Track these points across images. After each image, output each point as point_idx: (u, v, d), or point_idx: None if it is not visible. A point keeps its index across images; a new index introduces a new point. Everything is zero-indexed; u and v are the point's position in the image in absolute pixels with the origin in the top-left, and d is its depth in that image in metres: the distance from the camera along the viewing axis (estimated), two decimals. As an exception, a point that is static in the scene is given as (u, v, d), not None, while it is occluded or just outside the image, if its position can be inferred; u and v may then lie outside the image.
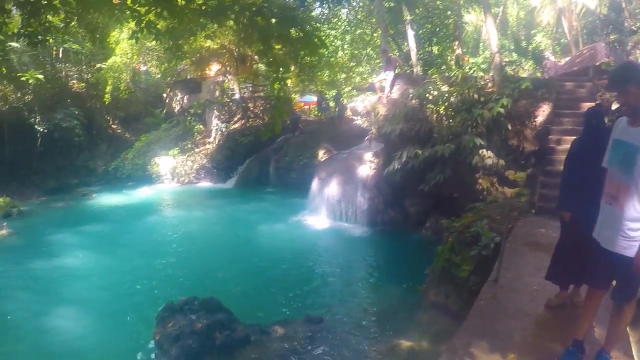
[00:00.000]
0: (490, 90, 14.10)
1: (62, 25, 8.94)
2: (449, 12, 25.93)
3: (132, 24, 6.51)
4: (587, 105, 12.79)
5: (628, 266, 3.76)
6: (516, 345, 4.68)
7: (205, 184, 27.29)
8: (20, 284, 11.54)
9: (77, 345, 8.34)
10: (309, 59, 24.83)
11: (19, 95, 26.23)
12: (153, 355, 7.77)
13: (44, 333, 8.88)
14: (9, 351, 8.40)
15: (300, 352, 7.78)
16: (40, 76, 23.00)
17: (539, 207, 10.12)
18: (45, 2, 6.39)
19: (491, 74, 14.83)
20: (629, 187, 3.76)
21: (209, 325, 7.82)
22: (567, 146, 11.35)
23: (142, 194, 25.06)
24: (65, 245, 14.56)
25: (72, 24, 7.25)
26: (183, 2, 6.14)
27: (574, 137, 5.95)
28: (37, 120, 25.41)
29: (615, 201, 3.88)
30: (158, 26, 7.04)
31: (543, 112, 13.03)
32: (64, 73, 29.42)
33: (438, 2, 25.78)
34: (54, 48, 27.09)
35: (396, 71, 17.39)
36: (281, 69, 6.57)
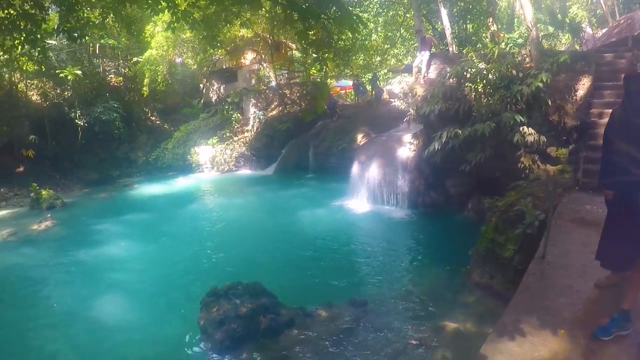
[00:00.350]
0: (528, 65, 13.85)
1: (99, 20, 9.16)
2: (481, -13, 25.42)
3: (167, 16, 6.62)
4: (628, 76, 12.47)
5: None
6: (566, 322, 4.66)
7: (245, 171, 27.72)
8: (67, 273, 11.94)
9: (123, 331, 8.54)
10: (342, 43, 24.80)
11: (58, 91, 27.26)
12: (198, 340, 7.89)
13: (90, 320, 9.11)
14: (59, 337, 8.64)
15: (345, 335, 7.82)
16: (79, 72, 23.89)
17: (583, 182, 9.93)
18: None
19: (528, 48, 14.53)
20: None
21: (254, 310, 7.90)
22: (609, 119, 11.24)
23: (182, 183, 25.58)
24: (109, 235, 15.01)
25: (108, 18, 7.41)
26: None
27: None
28: (77, 114, 26.27)
29: None
30: (194, 15, 7.16)
31: (583, 86, 12.73)
32: (101, 68, 30.40)
33: (471, -23, 25.30)
34: (91, 44, 27.92)
35: (432, 50, 17.19)
36: (321, 50, 6.61)
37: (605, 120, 11.22)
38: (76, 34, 7.67)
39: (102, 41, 26.92)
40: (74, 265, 12.40)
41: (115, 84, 30.80)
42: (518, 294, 5.22)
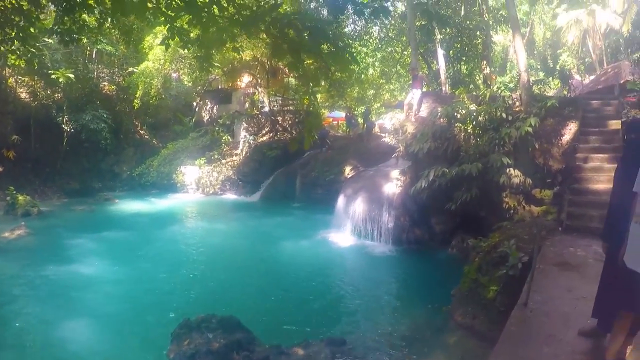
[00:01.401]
0: (517, 109, 14.04)
1: (96, 25, 9.08)
2: (478, 32, 25.94)
3: (166, 30, 6.60)
4: (613, 122, 12.73)
5: None
6: (548, 372, 4.56)
7: (230, 196, 27.47)
8: (33, 289, 11.43)
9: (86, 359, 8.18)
10: (339, 74, 25.01)
11: (48, 92, 26.59)
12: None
13: (52, 344, 8.63)
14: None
15: (322, 375, 7.57)
16: (72, 75, 23.40)
17: (567, 225, 10.00)
18: (80, 0, 6.48)
19: (519, 92, 14.74)
20: None
21: (227, 346, 7.61)
22: (594, 164, 11.44)
23: (165, 202, 25.22)
24: (83, 251, 14.59)
25: (106, 24, 7.37)
26: (215, 11, 6.19)
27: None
28: (65, 119, 25.78)
29: None
30: (191, 34, 7.13)
31: (570, 131, 12.93)
32: (95, 74, 29.89)
33: (468, 22, 25.81)
34: (88, 48, 27.52)
35: (423, 89, 17.35)
36: (311, 83, 6.58)
37: (590, 164, 11.49)
38: (71, 37, 7.60)
39: (99, 46, 26.51)
40: (41, 281, 11.90)
41: (108, 92, 30.40)
42: (500, 344, 5.12)
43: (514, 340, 5.18)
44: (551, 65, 19.65)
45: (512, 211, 12.94)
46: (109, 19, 7.48)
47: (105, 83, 30.70)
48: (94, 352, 8.39)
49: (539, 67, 29.44)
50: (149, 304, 10.81)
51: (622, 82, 16.73)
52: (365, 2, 7.16)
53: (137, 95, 27.88)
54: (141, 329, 9.45)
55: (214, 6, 6.05)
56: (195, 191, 27.98)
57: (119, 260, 13.84)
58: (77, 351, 8.39)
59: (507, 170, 12.76)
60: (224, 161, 29.24)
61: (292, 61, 6.56)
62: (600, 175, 10.84)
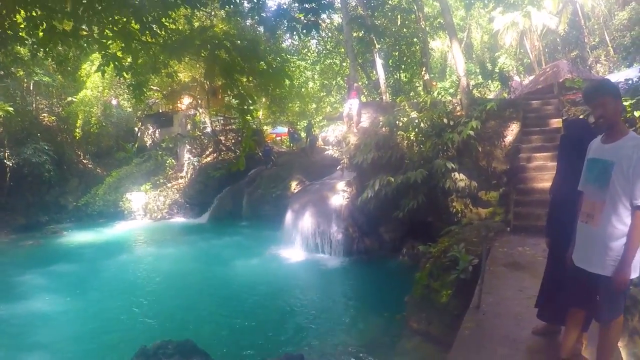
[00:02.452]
0: (458, 113, 14.22)
1: (30, 56, 8.70)
2: (415, 40, 26.26)
3: (100, 58, 6.37)
4: (554, 121, 12.99)
5: (608, 285, 3.65)
6: (505, 374, 4.50)
7: (179, 219, 26.98)
8: None
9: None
10: (278, 90, 24.98)
11: None
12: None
13: None
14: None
15: (280, 393, 7.44)
16: (10, 109, 22.58)
17: (514, 225, 10.11)
18: (12, 32, 6.18)
19: (459, 97, 14.95)
20: (604, 203, 3.70)
21: (184, 371, 7.40)
22: (538, 163, 11.59)
23: (113, 231, 24.53)
24: (31, 286, 14.03)
25: (40, 54, 7.03)
26: (148, 38, 6.02)
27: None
28: (6, 154, 24.77)
29: (591, 219, 3.82)
30: (125, 62, 6.89)
31: (512, 132, 13.16)
32: (34, 106, 28.84)
33: (405, 30, 26.11)
34: (25, 80, 26.52)
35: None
36: (247, 102, 6.43)
37: (534, 163, 11.65)
38: (3, 72, 7.30)
39: (36, 78, 25.65)
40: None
41: (48, 124, 29.32)
42: (454, 349, 5.03)
43: (468, 344, 5.10)
44: (490, 68, 20.17)
45: (459, 215, 13.07)
46: (42, 50, 7.15)
47: (45, 114, 29.67)
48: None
49: (478, 70, 30.10)
50: (103, 335, 10.46)
51: (561, 80, 17.19)
52: (300, 17, 7.07)
53: (77, 125, 27.24)
54: (98, 362, 9.05)
55: (147, 32, 5.86)
56: (143, 217, 27.28)
57: (70, 294, 13.34)
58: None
59: (452, 174, 12.87)
60: (169, 185, 28.75)
61: (225, 82, 6.43)
62: (544, 174, 10.97)
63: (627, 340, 4.64)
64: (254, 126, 28.73)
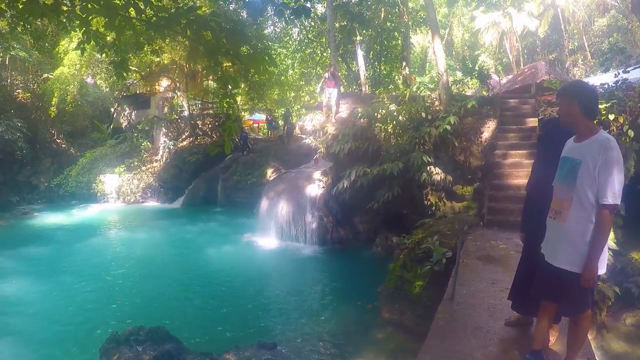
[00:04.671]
0: (437, 108, 14.34)
1: (8, 30, 8.48)
2: (396, 34, 26.32)
3: (81, 33, 6.24)
4: (531, 120, 13.19)
5: (575, 280, 3.75)
6: (478, 364, 4.59)
7: (152, 203, 26.78)
8: None
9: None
10: (258, 77, 24.82)
11: None
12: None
13: None
14: None
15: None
16: None
17: (488, 219, 10.25)
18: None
19: (438, 92, 15.07)
20: (572, 201, 3.80)
21: (157, 357, 7.43)
22: (513, 160, 11.77)
23: (85, 213, 24.23)
24: (1, 269, 13.73)
25: (19, 29, 6.89)
26: (132, 13, 5.92)
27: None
28: (-23, 131, 24.02)
29: (559, 216, 3.91)
30: (107, 38, 6.78)
31: (488, 129, 13.33)
32: (9, 81, 28.31)
33: (388, 24, 26.14)
34: (0, 54, 26.06)
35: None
36: (230, 85, 6.39)
37: (509, 160, 11.81)
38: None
39: (12, 52, 25.18)
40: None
41: (22, 100, 28.69)
42: (428, 340, 5.11)
43: (442, 334, 5.18)
44: (470, 66, 20.34)
45: (434, 208, 13.21)
46: (21, 23, 6.99)
47: (20, 90, 28.97)
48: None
49: (457, 67, 30.31)
50: (74, 320, 10.26)
51: (538, 81, 17.45)
52: (286, 2, 7.03)
53: (53, 103, 26.59)
54: (67, 347, 8.95)
55: (131, 8, 5.77)
56: (116, 200, 26.99)
57: (40, 277, 13.08)
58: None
59: (428, 168, 12.96)
60: (144, 168, 28.39)
61: (209, 64, 6.37)
62: (519, 171, 11.15)
63: (595, 334, 4.77)
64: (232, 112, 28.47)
